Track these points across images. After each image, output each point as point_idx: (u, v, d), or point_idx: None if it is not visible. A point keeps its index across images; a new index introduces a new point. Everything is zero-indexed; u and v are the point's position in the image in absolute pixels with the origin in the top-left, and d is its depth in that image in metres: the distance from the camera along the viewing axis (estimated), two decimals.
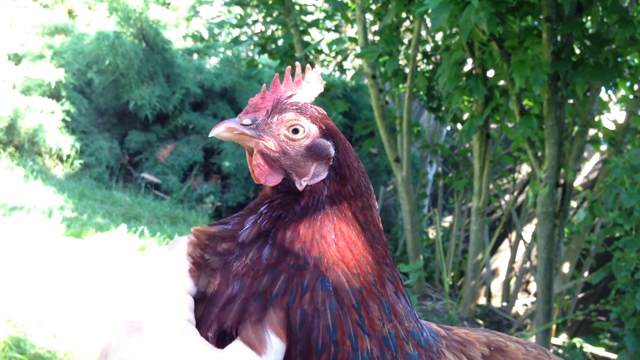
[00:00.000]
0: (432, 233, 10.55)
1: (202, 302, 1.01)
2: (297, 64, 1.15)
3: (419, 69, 7.49)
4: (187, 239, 1.07)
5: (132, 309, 0.95)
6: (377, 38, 7.64)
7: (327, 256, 1.04)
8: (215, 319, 0.99)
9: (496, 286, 9.50)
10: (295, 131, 1.09)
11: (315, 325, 0.99)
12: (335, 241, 1.06)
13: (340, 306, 1.02)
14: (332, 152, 1.11)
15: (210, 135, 1.09)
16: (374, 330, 1.03)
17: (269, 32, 9.77)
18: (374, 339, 1.03)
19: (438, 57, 7.55)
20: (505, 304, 8.55)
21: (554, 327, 6.86)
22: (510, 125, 7.51)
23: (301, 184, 1.08)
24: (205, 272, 1.03)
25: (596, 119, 6.76)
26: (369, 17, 8.05)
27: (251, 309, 0.99)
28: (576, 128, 6.26)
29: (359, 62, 11.81)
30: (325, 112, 1.13)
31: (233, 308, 0.99)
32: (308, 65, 1.16)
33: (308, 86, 1.15)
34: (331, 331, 0.99)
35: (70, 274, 5.21)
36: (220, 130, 1.08)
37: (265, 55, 8.87)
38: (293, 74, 1.15)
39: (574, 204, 7.93)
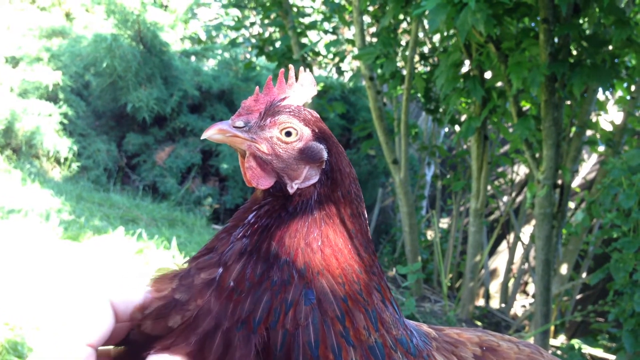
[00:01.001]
0: (430, 234, 10.55)
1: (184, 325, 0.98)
2: (291, 66, 1.14)
3: (416, 71, 7.49)
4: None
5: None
6: (374, 40, 7.64)
7: (312, 265, 1.02)
8: (196, 350, 0.95)
9: (494, 287, 9.50)
10: (288, 134, 1.08)
11: (296, 343, 0.96)
12: (321, 248, 1.04)
13: (324, 318, 0.99)
14: (325, 155, 1.09)
15: (202, 138, 1.08)
16: (359, 340, 1.01)
17: (266, 34, 9.78)
18: (360, 349, 1.00)
19: (435, 58, 7.55)
20: (503, 305, 8.55)
21: (552, 328, 6.86)
22: (508, 125, 7.51)
23: (293, 187, 1.07)
24: (176, 309, 0.99)
25: (594, 120, 6.77)
26: (367, 19, 8.05)
27: (235, 341, 0.95)
28: (574, 129, 6.26)
29: (356, 64, 11.81)
30: (318, 115, 1.12)
31: (216, 340, 0.96)
32: (301, 68, 1.15)
33: (301, 88, 1.14)
34: (313, 347, 0.97)
35: (68, 277, 5.20)
36: (212, 133, 1.07)
37: (263, 57, 8.88)
38: (287, 77, 1.14)
39: (571, 205, 7.93)
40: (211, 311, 0.98)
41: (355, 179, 1.13)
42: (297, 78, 1.15)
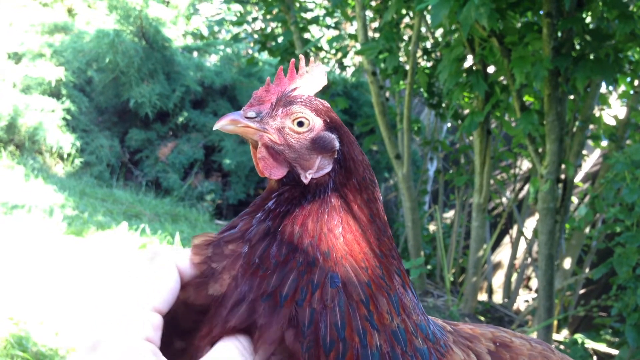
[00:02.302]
0: (433, 229, 10.55)
1: (215, 304, 1.00)
2: (301, 56, 1.15)
3: (419, 66, 7.48)
4: (176, 256, 1.01)
5: (98, 327, 0.93)
6: (377, 35, 7.63)
7: (336, 250, 1.03)
8: (221, 320, 0.98)
9: (497, 282, 9.51)
10: (300, 124, 1.09)
11: (323, 323, 0.98)
12: (343, 234, 1.05)
13: (349, 302, 1.00)
14: (337, 145, 1.10)
15: (214, 128, 1.08)
16: (383, 325, 1.02)
17: (268, 30, 9.76)
18: (383, 334, 1.01)
19: (438, 53, 7.55)
20: (506, 300, 8.56)
21: (555, 323, 6.86)
22: (511, 120, 7.50)
23: (306, 177, 1.08)
24: (214, 278, 1.01)
25: (597, 114, 6.76)
26: (369, 14, 8.04)
27: (260, 309, 0.97)
28: (577, 124, 6.25)
29: (359, 59, 11.80)
30: (329, 105, 1.12)
31: (241, 309, 0.98)
32: (312, 59, 1.16)
33: (312, 79, 1.14)
34: (339, 328, 0.98)
35: (72, 272, 5.21)
36: (224, 124, 1.07)
37: (265, 53, 8.88)
38: (297, 67, 1.14)
39: (575, 199, 7.92)
40: (238, 287, 0.99)
41: (368, 166, 1.14)
42: (307, 69, 1.15)
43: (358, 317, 1.00)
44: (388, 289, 1.06)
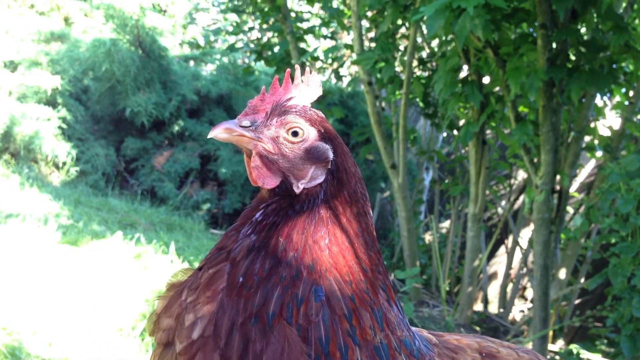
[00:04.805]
0: (428, 239, 10.55)
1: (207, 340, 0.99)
2: (297, 66, 1.15)
3: (415, 76, 7.50)
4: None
5: None
6: (373, 45, 7.66)
7: (320, 262, 1.02)
8: (219, 356, 0.96)
9: (493, 292, 9.50)
10: (295, 134, 1.08)
11: (308, 339, 0.97)
12: (328, 246, 1.04)
13: (333, 316, 0.99)
14: (331, 155, 1.09)
15: (209, 137, 1.08)
16: (365, 340, 1.01)
17: (265, 39, 9.79)
18: (365, 349, 1.00)
19: (434, 63, 7.56)
20: (502, 310, 8.54)
21: (550, 333, 6.85)
22: (505, 131, 7.51)
23: (298, 187, 1.07)
24: (187, 310, 1.00)
25: (592, 125, 6.78)
26: (365, 24, 8.07)
27: (252, 336, 0.96)
28: (572, 134, 6.27)
29: (355, 69, 11.84)
30: (323, 115, 1.12)
31: (235, 340, 0.96)
32: (308, 69, 1.15)
33: (307, 89, 1.14)
34: (323, 343, 0.97)
35: (66, 282, 5.19)
36: (218, 132, 1.07)
37: (262, 62, 8.89)
38: (292, 77, 1.14)
39: (570, 210, 7.93)
40: (225, 311, 0.98)
41: (360, 179, 1.13)
42: (302, 79, 1.15)
43: (340, 332, 0.99)
44: (372, 303, 1.05)
